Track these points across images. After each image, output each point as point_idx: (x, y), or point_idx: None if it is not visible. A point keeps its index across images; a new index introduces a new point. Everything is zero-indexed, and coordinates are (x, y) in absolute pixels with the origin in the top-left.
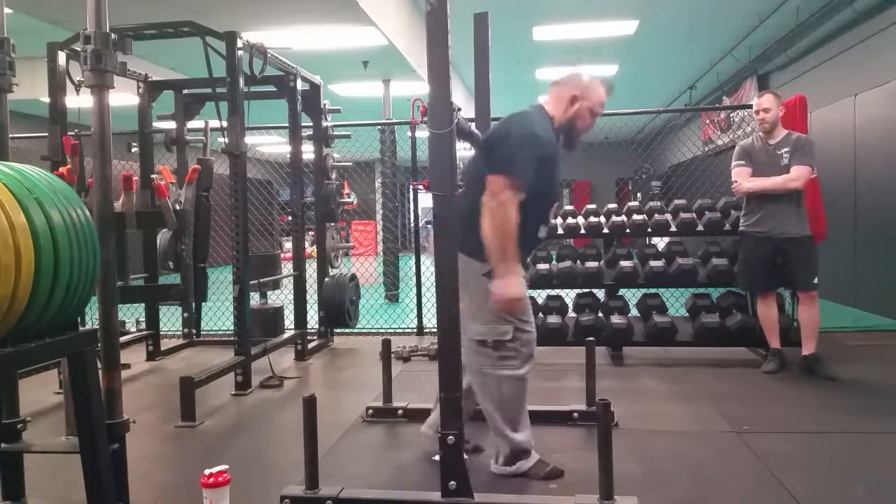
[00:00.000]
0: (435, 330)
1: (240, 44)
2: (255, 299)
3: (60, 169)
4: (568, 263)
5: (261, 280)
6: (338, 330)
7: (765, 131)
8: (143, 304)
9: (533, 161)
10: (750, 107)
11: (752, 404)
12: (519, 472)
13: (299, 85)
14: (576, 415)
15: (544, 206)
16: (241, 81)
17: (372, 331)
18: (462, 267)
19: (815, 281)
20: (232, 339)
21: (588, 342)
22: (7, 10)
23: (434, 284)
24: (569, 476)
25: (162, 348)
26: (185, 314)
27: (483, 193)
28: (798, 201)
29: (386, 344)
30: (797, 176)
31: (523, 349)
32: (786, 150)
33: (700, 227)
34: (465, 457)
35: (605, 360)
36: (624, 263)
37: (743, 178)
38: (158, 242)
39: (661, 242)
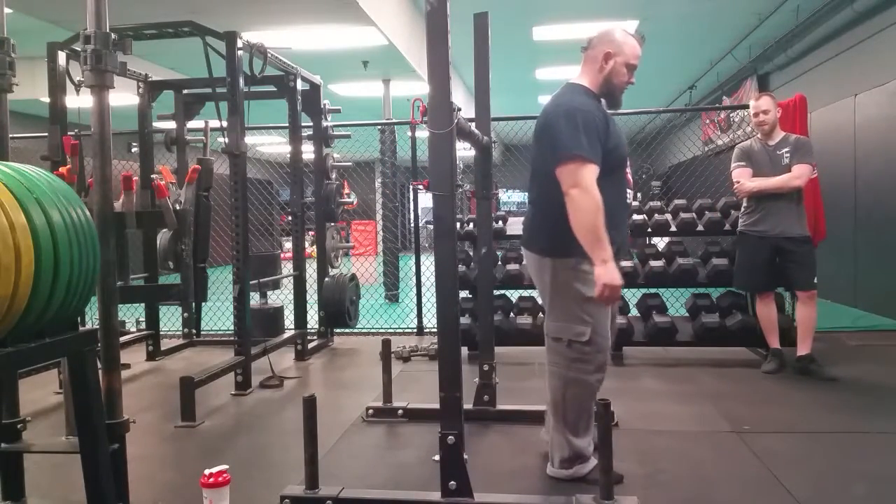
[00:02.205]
0: (435, 330)
1: (240, 44)
2: (255, 299)
3: (60, 169)
4: None
5: (261, 280)
6: (338, 330)
7: (764, 133)
8: (143, 304)
9: (581, 131)
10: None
11: (752, 404)
12: (576, 476)
13: (299, 85)
14: None
15: (615, 169)
16: (241, 81)
17: (372, 331)
18: (538, 266)
19: (815, 281)
20: (232, 339)
21: None
22: (7, 10)
23: (434, 284)
24: None
25: (162, 348)
26: (185, 314)
27: (546, 190)
28: (798, 201)
29: (386, 344)
30: (799, 174)
31: (598, 355)
32: (786, 150)
33: (700, 227)
34: (465, 458)
35: None
36: (624, 263)
37: (745, 179)
38: (158, 242)
39: (661, 242)
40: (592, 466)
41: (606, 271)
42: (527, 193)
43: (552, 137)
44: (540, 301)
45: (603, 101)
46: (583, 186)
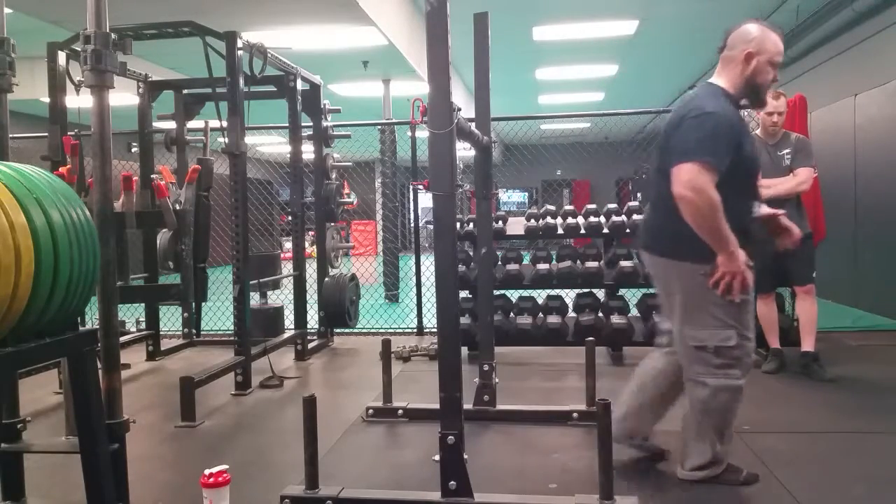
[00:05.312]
0: (435, 330)
1: (240, 44)
2: (255, 299)
3: (60, 169)
4: (568, 263)
5: (261, 280)
6: (338, 330)
7: (771, 133)
8: (143, 304)
9: (714, 138)
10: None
11: (751, 404)
12: (709, 477)
13: (299, 85)
14: (576, 415)
15: (745, 181)
16: (241, 81)
17: (372, 331)
18: (667, 272)
19: (813, 275)
20: (232, 339)
21: (588, 342)
22: (7, 10)
23: (434, 284)
24: (569, 476)
25: (162, 348)
26: (185, 314)
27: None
28: (798, 201)
29: (386, 344)
30: (806, 178)
31: (746, 358)
32: (787, 150)
33: None
34: (465, 458)
35: (605, 360)
36: (624, 263)
37: None
38: (158, 242)
39: None
40: (724, 467)
41: (728, 259)
42: (649, 194)
43: (687, 139)
44: (665, 307)
45: (744, 101)
46: (697, 188)
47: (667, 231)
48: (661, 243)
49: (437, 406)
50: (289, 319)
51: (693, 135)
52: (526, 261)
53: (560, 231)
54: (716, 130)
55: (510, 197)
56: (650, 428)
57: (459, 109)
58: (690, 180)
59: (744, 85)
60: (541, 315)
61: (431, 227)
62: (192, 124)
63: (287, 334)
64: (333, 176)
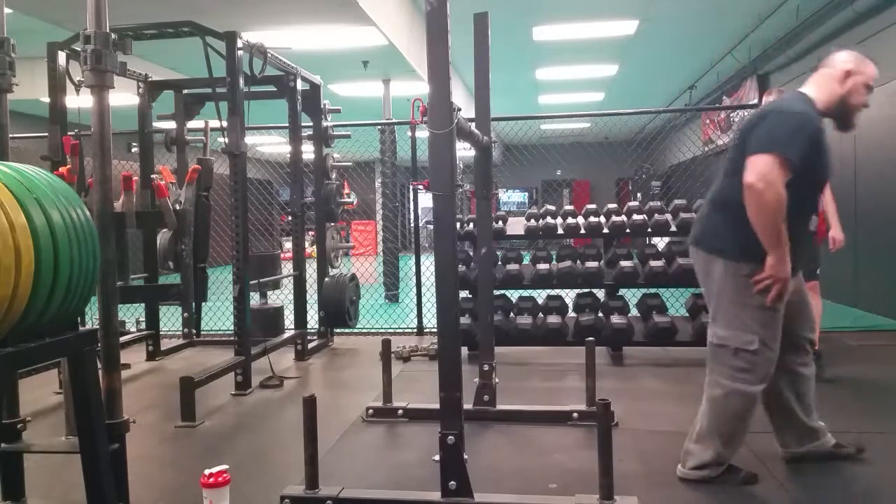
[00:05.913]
0: (435, 330)
1: (240, 44)
2: (255, 299)
3: (60, 169)
4: (568, 263)
5: (261, 280)
6: (338, 330)
7: None
8: (143, 304)
9: (797, 137)
10: (750, 106)
11: None
12: (709, 476)
13: (299, 85)
14: (576, 415)
15: (812, 194)
16: (241, 81)
17: (372, 331)
18: (707, 267)
19: (817, 272)
20: (232, 339)
21: (588, 342)
22: (7, 10)
23: (434, 284)
24: (569, 476)
25: (162, 348)
26: (185, 314)
27: (740, 190)
28: None
29: (386, 344)
30: (828, 193)
31: (764, 366)
32: None
33: None
34: (465, 458)
35: (605, 360)
36: (624, 263)
37: None
38: (158, 242)
39: (661, 242)
40: (724, 468)
41: (778, 263)
42: (709, 191)
43: (771, 132)
44: (707, 303)
45: (832, 121)
46: (769, 180)
47: (715, 227)
48: (707, 238)
49: (437, 406)
50: (289, 319)
51: (775, 128)
52: (526, 261)
53: (560, 231)
54: (798, 128)
55: (510, 197)
56: (813, 431)
57: (459, 109)
58: (764, 172)
59: (837, 103)
60: (541, 315)
61: (431, 227)
62: (192, 124)
63: (287, 334)
64: (333, 176)
